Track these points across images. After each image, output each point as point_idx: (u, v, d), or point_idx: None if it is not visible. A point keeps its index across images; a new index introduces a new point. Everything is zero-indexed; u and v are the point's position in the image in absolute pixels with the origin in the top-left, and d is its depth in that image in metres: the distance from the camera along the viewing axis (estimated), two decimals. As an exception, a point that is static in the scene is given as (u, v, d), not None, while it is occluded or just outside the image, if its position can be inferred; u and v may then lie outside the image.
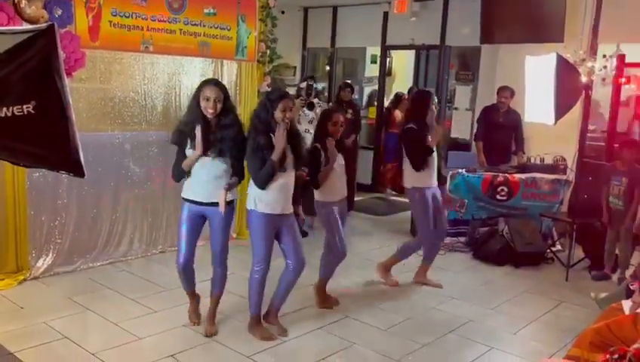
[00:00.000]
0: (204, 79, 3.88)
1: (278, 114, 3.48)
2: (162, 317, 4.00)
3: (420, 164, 4.57)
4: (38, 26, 2.39)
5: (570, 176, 5.97)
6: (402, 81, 10.42)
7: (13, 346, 3.40)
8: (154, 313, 4.07)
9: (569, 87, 4.96)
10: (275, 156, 3.45)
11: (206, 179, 3.54)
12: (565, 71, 4.92)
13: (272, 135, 3.49)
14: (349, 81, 7.83)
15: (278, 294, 3.82)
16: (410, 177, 4.68)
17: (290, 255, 3.70)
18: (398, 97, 8.99)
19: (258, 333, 3.73)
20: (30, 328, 3.70)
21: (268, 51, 6.06)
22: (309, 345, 3.70)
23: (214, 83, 3.59)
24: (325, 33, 9.20)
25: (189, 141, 3.50)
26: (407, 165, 4.66)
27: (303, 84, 7.29)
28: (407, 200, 5.05)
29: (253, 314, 3.76)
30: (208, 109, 3.46)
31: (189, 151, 3.52)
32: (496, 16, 6.98)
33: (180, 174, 3.60)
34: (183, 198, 3.67)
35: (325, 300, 4.33)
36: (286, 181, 3.57)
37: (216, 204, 3.46)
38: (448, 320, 4.23)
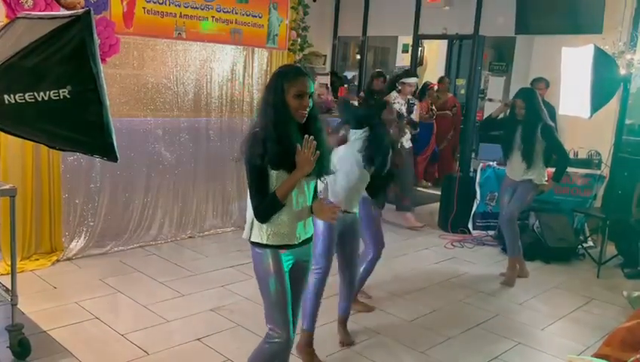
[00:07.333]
0: (284, 66, 2.78)
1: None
2: (190, 301, 4.06)
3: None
4: (75, 11, 2.42)
5: (605, 170, 5.83)
6: (434, 70, 10.32)
7: (46, 324, 3.50)
8: (182, 296, 4.13)
9: (606, 79, 4.83)
10: None
11: None
12: (603, 63, 4.79)
13: None
14: (381, 70, 7.76)
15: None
16: (542, 173, 4.64)
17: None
18: (425, 87, 8.82)
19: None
20: (62, 307, 3.80)
21: (299, 39, 6.05)
22: (335, 334, 3.70)
23: (304, 72, 2.45)
24: (357, 21, 9.12)
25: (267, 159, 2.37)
26: (539, 159, 4.62)
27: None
28: (437, 192, 4.90)
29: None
30: (302, 111, 2.39)
31: (280, 174, 2.38)
32: (531, 5, 6.84)
33: (277, 207, 2.41)
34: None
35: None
36: None
37: None
38: (475, 313, 4.20)
